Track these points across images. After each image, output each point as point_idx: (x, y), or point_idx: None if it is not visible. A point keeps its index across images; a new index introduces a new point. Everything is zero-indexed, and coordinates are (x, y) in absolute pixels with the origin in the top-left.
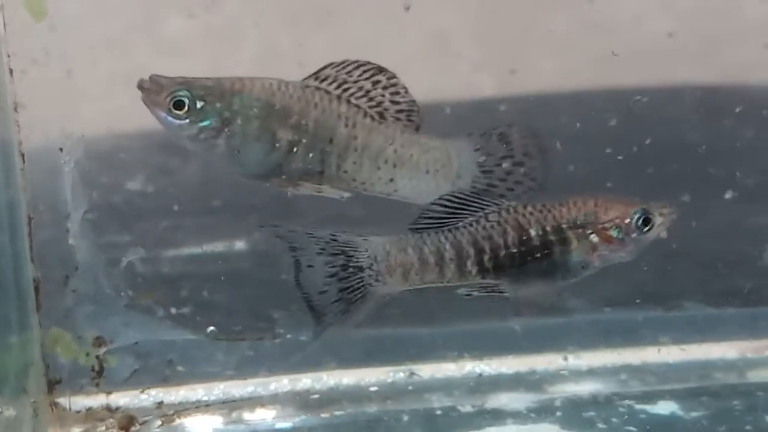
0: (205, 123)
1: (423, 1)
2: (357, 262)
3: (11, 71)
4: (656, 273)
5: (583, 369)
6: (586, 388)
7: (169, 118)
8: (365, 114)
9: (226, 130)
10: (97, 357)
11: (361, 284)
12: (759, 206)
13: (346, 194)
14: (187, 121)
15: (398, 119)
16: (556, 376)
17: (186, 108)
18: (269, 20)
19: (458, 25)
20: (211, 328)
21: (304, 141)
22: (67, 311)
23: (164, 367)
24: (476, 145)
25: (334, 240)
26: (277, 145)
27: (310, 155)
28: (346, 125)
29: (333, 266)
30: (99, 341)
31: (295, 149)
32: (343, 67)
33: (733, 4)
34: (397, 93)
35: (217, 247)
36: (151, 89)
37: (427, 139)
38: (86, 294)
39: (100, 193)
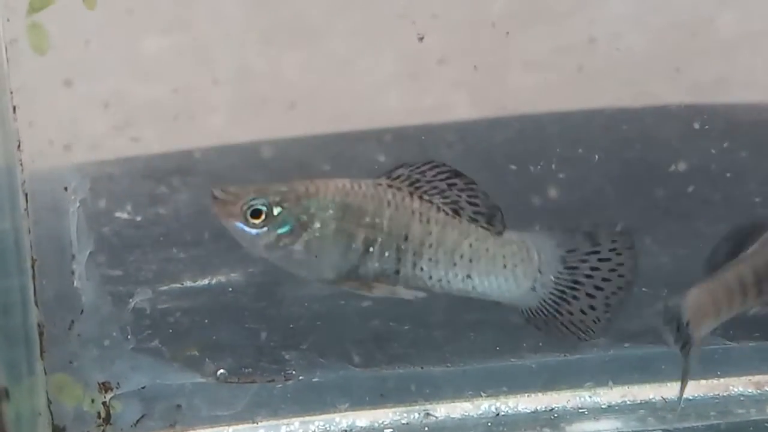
0: (283, 230)
1: (402, 21)
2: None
3: (14, 108)
4: None
5: (601, 406)
6: (605, 426)
7: (246, 228)
8: (438, 209)
9: (303, 234)
10: (103, 403)
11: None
12: None
13: (421, 294)
14: (265, 229)
15: (475, 221)
16: (574, 414)
17: (263, 216)
18: (244, 40)
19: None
20: (221, 370)
21: (379, 240)
22: (72, 356)
23: (172, 411)
24: (558, 240)
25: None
26: (353, 246)
27: (386, 254)
28: (421, 221)
29: None
30: (105, 386)
31: (371, 249)
32: (417, 167)
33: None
34: (475, 196)
35: (219, 279)
36: (226, 200)
37: (506, 234)
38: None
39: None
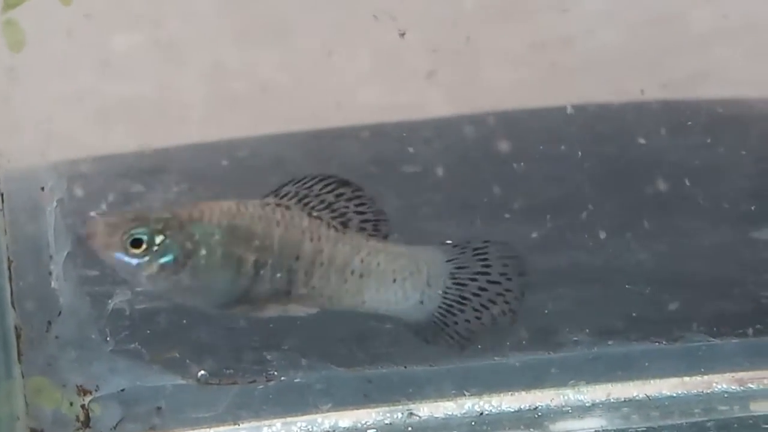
0: (166, 259)
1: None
2: None
3: None
4: (654, 302)
5: (585, 404)
6: (589, 424)
7: (126, 259)
8: (328, 225)
9: (189, 262)
10: (82, 406)
11: None
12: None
13: (314, 310)
14: (146, 259)
15: (363, 229)
16: (558, 413)
17: (144, 246)
18: (217, 38)
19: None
20: (202, 372)
21: (270, 262)
22: (50, 359)
23: (152, 414)
24: (449, 256)
25: None
26: (243, 270)
27: (278, 275)
28: (312, 239)
29: None
30: (83, 389)
31: (261, 272)
32: (304, 183)
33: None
34: (363, 204)
35: None
36: (104, 230)
37: (396, 247)
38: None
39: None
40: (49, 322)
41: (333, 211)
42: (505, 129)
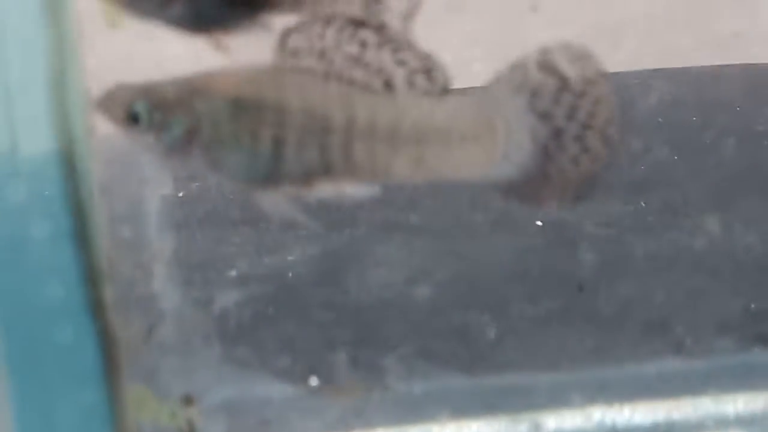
0: (167, 136)
1: None
2: None
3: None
4: None
5: (729, 417)
6: None
7: (132, 134)
8: (364, 88)
9: (195, 140)
10: (185, 417)
11: None
12: None
13: (374, 189)
14: (149, 135)
15: (413, 83)
16: (699, 426)
17: (144, 122)
18: None
19: None
20: (314, 380)
21: (290, 138)
22: (151, 367)
23: (260, 427)
24: (515, 86)
25: None
26: (260, 148)
27: (306, 153)
28: (341, 108)
29: None
30: (186, 399)
31: (283, 149)
32: (309, 31)
33: None
34: (400, 49)
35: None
36: (107, 103)
37: (452, 100)
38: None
39: None
40: (151, 328)
41: (366, 66)
42: None
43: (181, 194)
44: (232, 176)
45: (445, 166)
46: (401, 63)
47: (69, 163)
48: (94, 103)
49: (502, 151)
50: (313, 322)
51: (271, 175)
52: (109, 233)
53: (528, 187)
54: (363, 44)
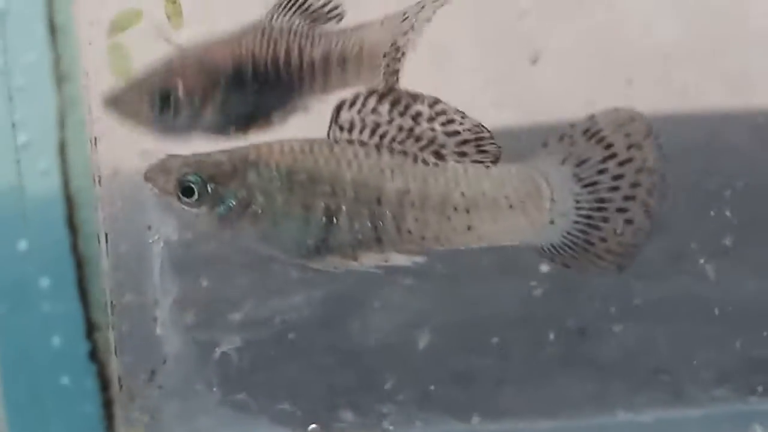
0: (220, 208)
1: None
2: None
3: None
4: None
5: None
6: None
7: (185, 208)
8: (415, 159)
9: (247, 211)
10: None
11: None
12: None
13: (419, 258)
14: (202, 209)
15: (463, 154)
16: None
17: (196, 195)
18: None
19: None
20: (313, 425)
21: (344, 208)
22: (153, 411)
23: None
24: (562, 156)
25: None
26: (312, 218)
27: (358, 223)
28: (393, 179)
29: None
30: None
31: (335, 220)
32: (363, 105)
33: None
34: (451, 121)
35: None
36: (157, 176)
37: (500, 169)
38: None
39: None
40: (153, 372)
41: (418, 139)
42: None
43: (184, 237)
44: (281, 248)
45: (492, 233)
46: (452, 134)
47: (73, 209)
48: (145, 174)
49: (548, 218)
50: (314, 367)
51: (321, 247)
52: (113, 276)
53: (571, 254)
54: (416, 117)
